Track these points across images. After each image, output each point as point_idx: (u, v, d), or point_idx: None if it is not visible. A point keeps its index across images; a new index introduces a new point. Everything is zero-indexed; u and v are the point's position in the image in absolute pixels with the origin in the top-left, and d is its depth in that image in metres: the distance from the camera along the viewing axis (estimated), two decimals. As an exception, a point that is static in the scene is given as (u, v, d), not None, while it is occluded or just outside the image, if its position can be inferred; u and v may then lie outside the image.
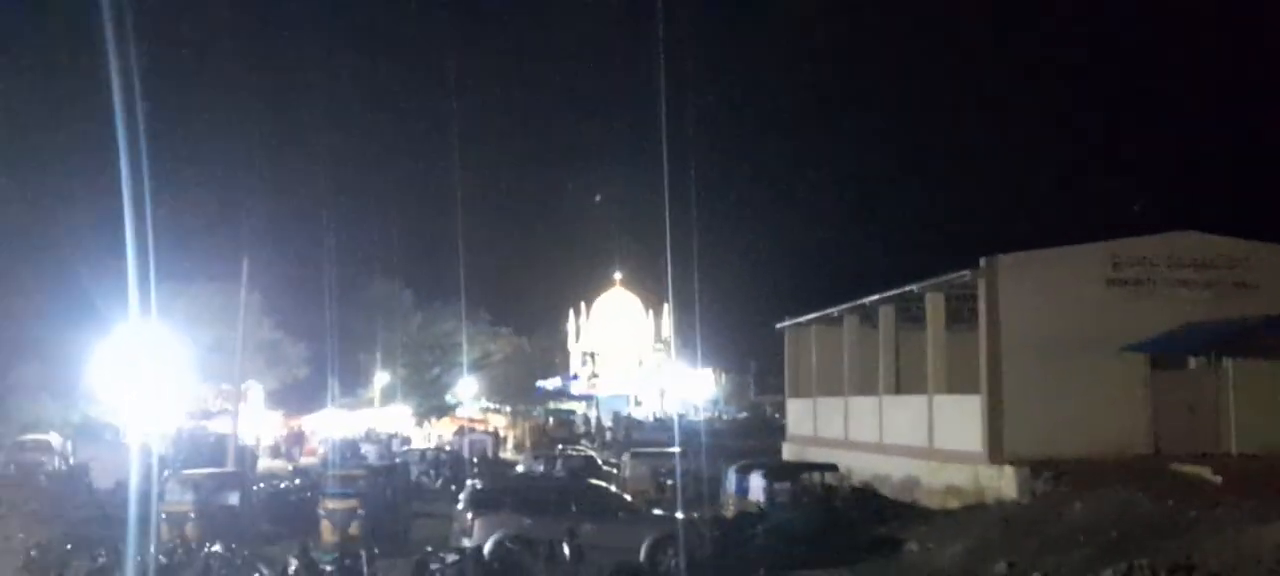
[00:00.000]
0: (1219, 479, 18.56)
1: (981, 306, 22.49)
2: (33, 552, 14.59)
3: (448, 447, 43.52)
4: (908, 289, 25.39)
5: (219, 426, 38.30)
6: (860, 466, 26.14)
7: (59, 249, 32.42)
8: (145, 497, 19.38)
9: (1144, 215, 22.63)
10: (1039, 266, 22.71)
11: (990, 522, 18.95)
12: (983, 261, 22.35)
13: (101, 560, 14.41)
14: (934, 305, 24.78)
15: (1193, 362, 22.94)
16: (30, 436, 33.76)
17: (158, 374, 30.58)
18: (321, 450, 42.20)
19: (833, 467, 22.81)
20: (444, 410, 60.01)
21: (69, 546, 14.80)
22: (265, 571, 14.96)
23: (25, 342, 35.41)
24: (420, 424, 56.47)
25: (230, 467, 27.05)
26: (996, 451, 21.58)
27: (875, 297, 27.24)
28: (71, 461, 30.94)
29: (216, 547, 15.83)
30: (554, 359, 75.14)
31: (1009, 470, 20.99)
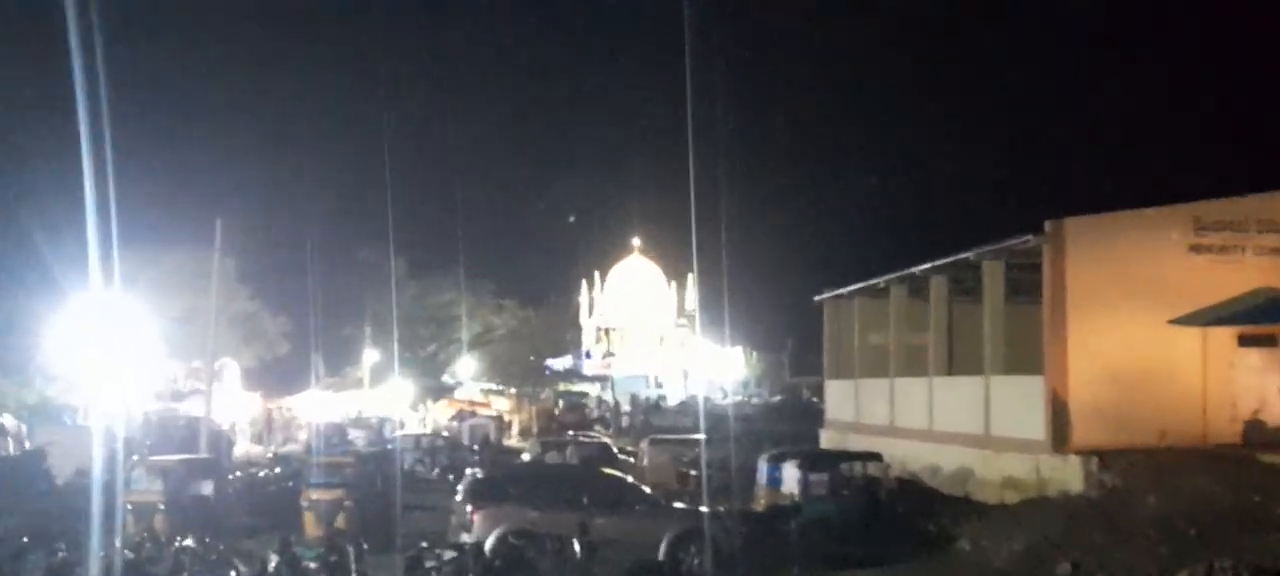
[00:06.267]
0: (1313, 471, 18.57)
1: (1046, 276, 22.47)
2: (-14, 545, 14.86)
3: (445, 433, 43.95)
4: (963, 256, 25.39)
5: (190, 408, 38.62)
6: (907, 455, 26.27)
7: (12, 211, 32.80)
8: (109, 487, 19.43)
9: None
10: (1112, 231, 22.65)
11: (1052, 518, 19.03)
12: (1047, 225, 22.33)
13: (61, 554, 14.62)
14: (992, 275, 24.76)
15: (1286, 339, 22.87)
16: (-19, 418, 34.24)
17: (122, 349, 30.92)
18: (302, 436, 42.56)
19: (876, 457, 22.92)
20: (441, 391, 60.30)
21: (25, 538, 15.07)
22: (242, 568, 15.21)
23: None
24: (415, 407, 56.85)
25: (203, 454, 27.32)
26: (1060, 439, 21.66)
27: (926, 266, 27.25)
28: (27, 445, 31.33)
29: (188, 542, 16.10)
30: (565, 335, 75.33)
31: (1074, 460, 21.07)
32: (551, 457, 30.61)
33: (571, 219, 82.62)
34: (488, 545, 15.92)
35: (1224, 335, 22.25)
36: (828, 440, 33.05)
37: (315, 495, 20.41)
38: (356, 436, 41.25)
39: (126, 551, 15.36)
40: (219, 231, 30.39)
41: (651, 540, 17.38)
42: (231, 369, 46.48)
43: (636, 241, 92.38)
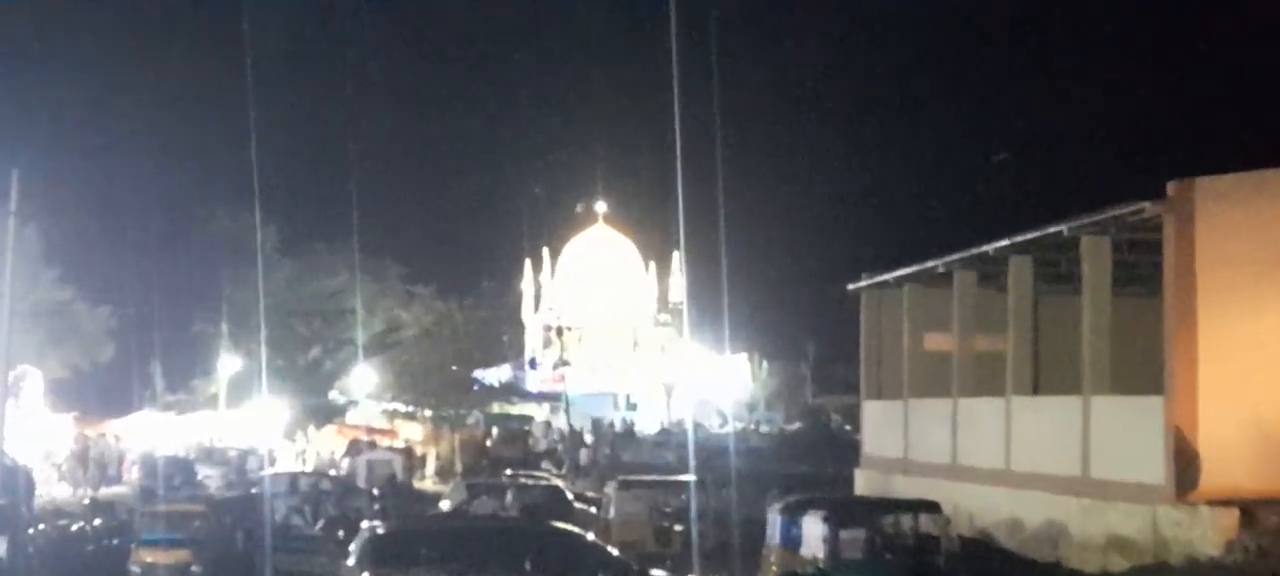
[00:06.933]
0: None
1: (1168, 258, 22.54)
2: None
3: (333, 471, 43.88)
4: (1054, 230, 25.47)
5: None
6: (975, 505, 26.48)
7: None
8: None
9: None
10: (1261, 195, 22.71)
11: (1175, 592, 19.10)
12: (1171, 188, 22.38)
13: None
14: (1094, 255, 24.85)
15: None
16: None
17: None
18: (133, 475, 42.45)
19: (933, 507, 23.00)
20: (328, 414, 60.20)
21: None
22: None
23: None
24: (291, 435, 56.78)
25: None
26: (1187, 483, 21.70)
27: (1003, 243, 27.34)
28: None
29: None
30: (501, 336, 75.31)
31: (1206, 512, 21.13)
32: (482, 506, 30.79)
33: (538, 191, 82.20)
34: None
35: None
36: (865, 483, 33.30)
37: (150, 557, 20.74)
38: (209, 475, 41.41)
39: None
40: (15, 187, 30.07)
41: (620, 620, 17.45)
42: (33, 380, 46.22)
43: (601, 207, 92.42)
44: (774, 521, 22.95)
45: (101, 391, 52.47)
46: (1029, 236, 26.49)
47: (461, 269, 73.10)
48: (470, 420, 64.32)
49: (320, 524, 32.76)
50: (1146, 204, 22.73)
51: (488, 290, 71.94)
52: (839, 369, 67.29)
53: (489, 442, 59.16)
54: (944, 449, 29.50)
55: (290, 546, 28.34)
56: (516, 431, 63.25)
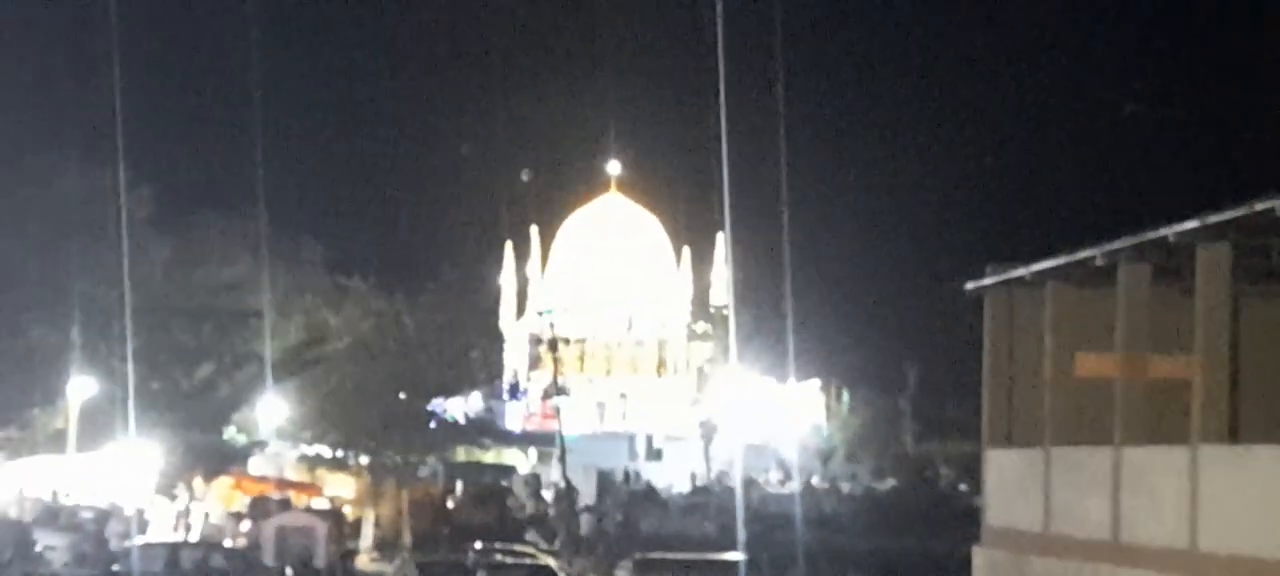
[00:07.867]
0: None
1: None
2: None
3: (229, 542, 43.85)
4: (1263, 208, 25.20)
5: None
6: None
7: None
8: None
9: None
10: None
11: None
12: None
13: None
14: (1324, 241, 24.73)
15: None
16: None
17: None
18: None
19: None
20: (222, 459, 60.26)
21: None
22: None
23: None
24: (170, 489, 56.75)
25: None
26: None
27: (1189, 226, 27.08)
28: None
29: None
30: (468, 351, 75.37)
31: None
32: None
33: (524, 146, 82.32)
34: None
35: None
36: (988, 567, 33.34)
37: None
38: (53, 546, 41.46)
39: None
40: None
41: None
42: None
43: (614, 168, 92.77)
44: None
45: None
46: (1225, 216, 26.26)
47: (413, 254, 73.45)
48: (425, 471, 64.45)
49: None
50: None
51: (451, 284, 72.07)
52: (950, 404, 67.64)
53: (451, 503, 59.20)
54: (1102, 519, 29.29)
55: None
56: (491, 488, 63.52)
